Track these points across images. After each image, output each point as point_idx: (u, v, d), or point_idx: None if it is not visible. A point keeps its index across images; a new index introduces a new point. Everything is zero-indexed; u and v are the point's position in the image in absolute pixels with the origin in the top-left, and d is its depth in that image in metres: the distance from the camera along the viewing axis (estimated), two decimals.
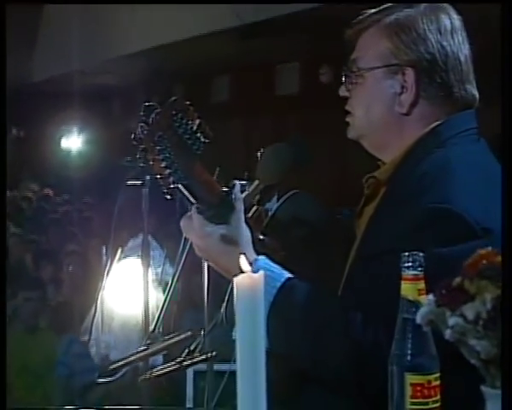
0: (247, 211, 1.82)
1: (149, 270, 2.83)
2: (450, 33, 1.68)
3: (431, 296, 1.00)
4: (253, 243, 1.68)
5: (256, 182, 1.93)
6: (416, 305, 1.17)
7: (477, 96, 1.72)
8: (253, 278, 1.00)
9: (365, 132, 1.77)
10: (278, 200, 2.01)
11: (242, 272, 1.03)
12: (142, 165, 2.53)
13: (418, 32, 1.67)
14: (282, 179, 1.94)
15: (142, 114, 1.60)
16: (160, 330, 2.07)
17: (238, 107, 11.50)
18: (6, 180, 3.08)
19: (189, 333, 1.94)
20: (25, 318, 4.90)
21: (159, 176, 1.56)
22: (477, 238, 1.50)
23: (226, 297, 1.87)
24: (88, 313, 3.89)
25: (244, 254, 1.04)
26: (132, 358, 2.02)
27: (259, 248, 1.71)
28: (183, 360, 2.00)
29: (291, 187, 1.98)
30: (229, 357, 1.77)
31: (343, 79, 1.78)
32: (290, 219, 1.89)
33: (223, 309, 1.88)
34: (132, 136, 1.61)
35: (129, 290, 2.94)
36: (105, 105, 14.25)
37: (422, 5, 1.70)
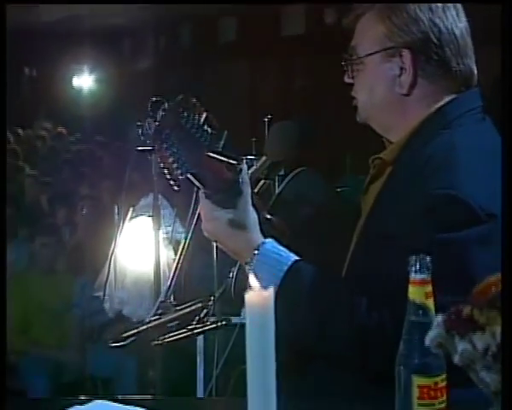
0: (254, 185, 1.80)
1: (160, 228, 2.81)
2: (441, 10, 1.65)
3: (440, 318, 0.97)
4: (260, 224, 1.66)
5: (263, 158, 1.91)
6: (423, 308, 1.15)
7: (475, 71, 1.69)
8: (262, 295, 0.97)
9: (371, 115, 1.76)
10: (285, 175, 1.98)
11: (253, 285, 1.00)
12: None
13: (409, 13, 1.64)
14: (288, 156, 1.91)
15: (149, 109, 1.57)
16: (172, 299, 2.07)
17: (244, 48, 11.31)
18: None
19: (200, 305, 1.93)
20: (42, 262, 4.91)
21: (166, 171, 1.54)
22: (481, 223, 1.49)
23: (235, 271, 1.86)
24: (101, 256, 3.87)
25: (254, 272, 1.01)
26: (144, 327, 2.03)
27: (267, 228, 1.69)
28: (195, 328, 2.00)
29: (297, 164, 1.96)
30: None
31: (345, 66, 1.76)
32: (296, 198, 1.87)
33: (232, 281, 1.86)
34: (140, 131, 1.59)
35: (140, 248, 2.91)
36: (115, 45, 14.07)
37: None
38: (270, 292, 0.98)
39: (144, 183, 2.93)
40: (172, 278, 2.03)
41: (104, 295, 2.91)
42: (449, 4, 1.67)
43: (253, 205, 1.65)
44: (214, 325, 1.99)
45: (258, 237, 1.63)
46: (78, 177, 7.69)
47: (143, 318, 3.10)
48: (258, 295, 0.97)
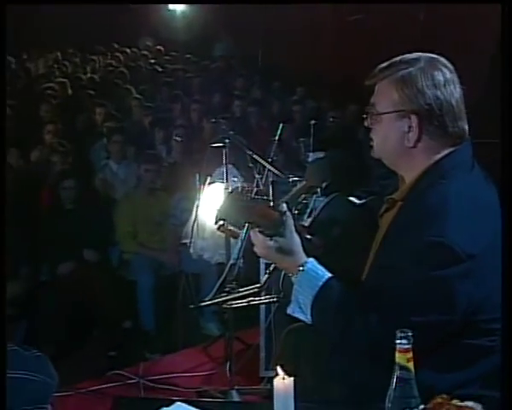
0: (296, 197, 1.93)
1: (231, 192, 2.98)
2: (443, 85, 1.73)
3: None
4: (303, 245, 1.80)
5: (304, 182, 2.03)
6: (405, 368, 1.30)
7: (467, 128, 1.79)
8: (285, 383, 1.14)
9: (383, 156, 1.88)
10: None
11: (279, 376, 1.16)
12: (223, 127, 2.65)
13: (418, 87, 1.73)
14: (323, 182, 2.03)
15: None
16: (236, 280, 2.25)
17: None
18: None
19: (257, 290, 2.11)
20: (145, 183, 5.08)
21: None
22: (462, 262, 1.61)
23: (282, 274, 2.02)
24: (192, 176, 3.97)
25: (281, 365, 1.17)
26: (216, 301, 2.24)
27: (307, 246, 1.83)
28: (252, 300, 2.20)
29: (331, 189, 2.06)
30: None
31: (366, 115, 1.86)
32: (330, 220, 1.98)
33: (281, 281, 2.04)
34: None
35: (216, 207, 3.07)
36: None
37: (422, 63, 1.75)
38: (290, 380, 1.14)
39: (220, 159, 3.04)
40: (235, 263, 2.22)
41: (190, 243, 3.11)
42: (449, 80, 1.74)
43: (296, 231, 1.79)
44: (267, 301, 2.19)
45: (302, 257, 1.78)
46: (174, 100, 7.75)
47: (219, 261, 3.33)
48: (282, 383, 1.14)
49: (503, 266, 1.70)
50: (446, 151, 1.76)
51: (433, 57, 1.77)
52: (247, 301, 2.17)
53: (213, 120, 2.69)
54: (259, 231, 1.75)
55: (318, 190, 1.99)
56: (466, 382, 1.74)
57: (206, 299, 2.25)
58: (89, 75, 9.61)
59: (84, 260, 4.78)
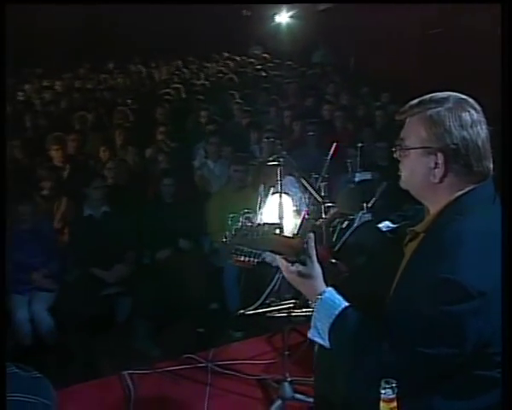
0: (330, 222, 1.79)
1: (290, 201, 2.89)
2: (470, 126, 1.57)
3: None
4: (324, 275, 1.68)
5: (336, 209, 1.89)
6: None
7: (491, 167, 1.62)
8: None
9: (410, 188, 1.72)
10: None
11: None
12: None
13: (445, 127, 1.58)
14: (354, 209, 1.88)
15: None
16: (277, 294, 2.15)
17: None
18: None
19: (293, 305, 2.01)
20: (234, 182, 5.06)
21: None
22: (473, 299, 1.46)
23: None
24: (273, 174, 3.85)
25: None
26: (260, 310, 2.17)
27: (331, 270, 1.71)
28: (292, 311, 2.10)
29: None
30: None
31: (395, 149, 1.71)
32: (357, 246, 1.83)
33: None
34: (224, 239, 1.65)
35: (277, 214, 2.96)
36: None
37: (450, 103, 1.59)
38: None
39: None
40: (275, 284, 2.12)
41: None
42: (475, 121, 1.59)
43: (318, 260, 1.66)
44: (304, 314, 2.08)
45: (322, 286, 1.66)
46: (270, 104, 7.63)
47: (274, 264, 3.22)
48: None
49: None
50: (468, 188, 1.60)
51: (461, 98, 1.61)
52: (288, 313, 2.08)
53: (268, 139, 2.60)
54: (283, 258, 1.65)
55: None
56: None
57: (251, 308, 2.18)
58: (201, 81, 9.71)
59: (180, 247, 4.85)
